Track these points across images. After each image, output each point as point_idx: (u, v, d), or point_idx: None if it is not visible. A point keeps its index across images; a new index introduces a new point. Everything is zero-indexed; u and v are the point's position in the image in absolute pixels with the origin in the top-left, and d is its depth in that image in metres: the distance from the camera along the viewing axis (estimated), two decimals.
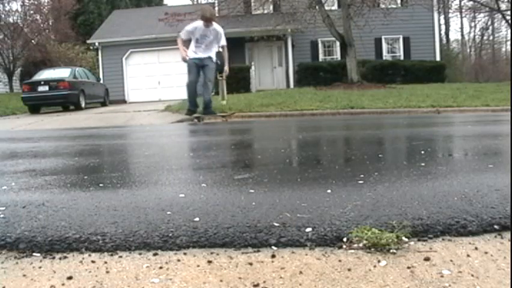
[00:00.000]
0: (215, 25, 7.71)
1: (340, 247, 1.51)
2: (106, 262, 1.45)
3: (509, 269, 1.32)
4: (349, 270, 1.34)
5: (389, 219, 1.67)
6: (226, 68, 8.20)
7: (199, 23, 7.66)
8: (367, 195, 2.00)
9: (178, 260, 1.45)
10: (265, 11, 18.85)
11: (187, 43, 7.94)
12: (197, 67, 7.72)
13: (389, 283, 1.26)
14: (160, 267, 1.40)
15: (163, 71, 20.19)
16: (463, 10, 25.20)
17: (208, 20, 7.55)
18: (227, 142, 4.95)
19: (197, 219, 1.75)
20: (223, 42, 7.90)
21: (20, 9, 25.71)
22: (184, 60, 7.78)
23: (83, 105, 14.42)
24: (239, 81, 16.86)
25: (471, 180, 2.26)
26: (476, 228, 1.61)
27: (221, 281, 1.31)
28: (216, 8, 19.48)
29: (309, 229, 1.62)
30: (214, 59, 7.89)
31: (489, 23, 34.51)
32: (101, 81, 18.06)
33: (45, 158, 3.86)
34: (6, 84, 24.10)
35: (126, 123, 8.88)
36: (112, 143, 5.33)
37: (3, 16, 24.73)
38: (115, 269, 1.40)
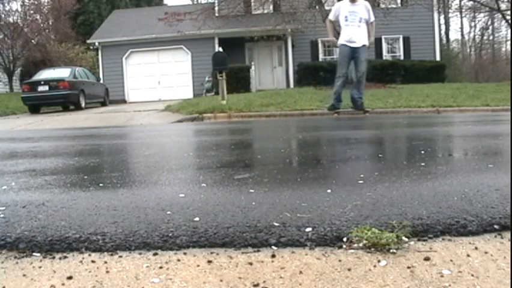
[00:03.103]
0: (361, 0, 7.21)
1: (340, 247, 1.51)
2: (106, 262, 1.45)
3: (509, 269, 1.32)
4: (349, 270, 1.34)
5: (389, 219, 1.67)
6: (371, 40, 7.50)
7: (344, 0, 7.18)
8: (367, 195, 2.00)
9: (178, 260, 1.45)
10: (265, 11, 18.85)
11: (337, 25, 7.43)
12: (349, 58, 7.26)
13: (389, 283, 1.26)
14: (160, 267, 1.40)
15: (163, 70, 20.20)
16: (463, 10, 25.21)
17: None
18: (227, 142, 4.95)
19: (197, 219, 1.75)
20: (372, 17, 7.37)
21: (20, 9, 25.75)
22: (335, 45, 7.28)
23: (83, 105, 14.42)
24: (239, 81, 16.87)
25: (471, 180, 2.26)
26: (476, 228, 1.61)
27: (221, 280, 1.31)
28: (216, 8, 19.50)
29: (309, 229, 1.62)
30: (367, 43, 7.34)
31: (489, 23, 34.53)
32: (101, 81, 18.06)
33: (45, 157, 3.86)
34: (6, 84, 24.10)
35: (126, 123, 8.88)
36: (112, 142, 5.33)
37: (3, 16, 24.73)
38: (115, 269, 1.40)
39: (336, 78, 7.57)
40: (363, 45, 7.32)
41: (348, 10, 7.22)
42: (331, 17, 7.46)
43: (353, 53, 7.28)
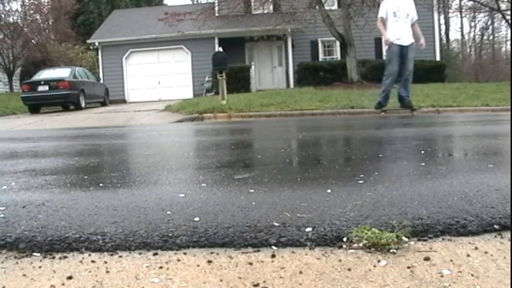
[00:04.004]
0: None
1: (340, 247, 1.51)
2: (106, 262, 1.45)
3: (509, 269, 1.32)
4: (349, 270, 1.34)
5: (389, 219, 1.67)
6: (422, 41, 7.44)
7: None
8: (367, 195, 2.00)
9: (178, 260, 1.45)
10: (265, 11, 18.84)
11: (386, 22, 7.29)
12: (399, 56, 7.16)
13: (389, 283, 1.26)
14: (160, 267, 1.40)
15: (163, 70, 20.20)
16: (463, 10, 25.19)
17: None
18: (227, 142, 4.95)
19: (197, 219, 1.75)
20: (416, 15, 7.27)
21: (20, 9, 25.75)
22: (388, 43, 7.20)
23: (83, 105, 14.42)
24: (239, 81, 16.87)
25: (471, 180, 2.26)
26: (476, 228, 1.61)
27: (221, 280, 1.31)
28: (216, 8, 19.50)
29: (309, 229, 1.62)
30: (415, 43, 7.22)
31: (489, 22, 34.50)
32: (101, 81, 18.06)
33: (45, 157, 3.86)
34: (6, 84, 24.10)
35: (126, 123, 8.88)
36: (112, 142, 5.33)
37: (3, 16, 24.74)
38: (115, 269, 1.40)
39: (385, 76, 7.45)
40: (412, 43, 7.27)
41: (396, 6, 7.16)
42: (382, 14, 7.34)
43: (402, 51, 7.22)
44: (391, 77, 7.31)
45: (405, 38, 7.24)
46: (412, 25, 7.42)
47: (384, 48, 7.45)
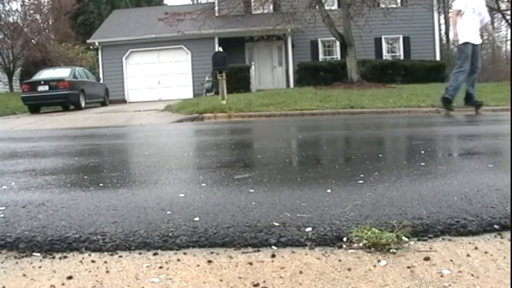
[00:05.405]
0: None
1: (340, 247, 1.51)
2: (106, 262, 1.45)
3: (509, 269, 1.32)
4: (349, 269, 1.34)
5: (389, 219, 1.67)
6: (498, 43, 7.43)
7: None
8: (367, 195, 2.00)
9: (178, 260, 1.45)
10: (265, 11, 18.83)
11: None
12: (472, 55, 7.00)
13: (389, 283, 1.26)
14: (160, 267, 1.40)
15: (162, 70, 20.19)
16: None
17: None
18: (227, 142, 4.95)
19: (197, 218, 1.75)
20: (488, 16, 7.12)
21: (20, 9, 25.76)
22: (458, 42, 7.03)
23: (83, 105, 14.41)
24: (239, 81, 16.87)
25: (471, 180, 2.25)
26: (476, 228, 1.61)
27: (221, 280, 1.31)
28: (216, 8, 19.50)
29: (309, 229, 1.62)
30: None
31: (489, 22, 34.41)
32: (101, 81, 18.06)
33: (45, 157, 3.86)
34: (6, 84, 24.10)
35: (126, 122, 8.88)
36: (112, 142, 5.33)
37: (3, 16, 24.72)
38: (115, 269, 1.40)
39: (456, 73, 7.26)
40: (481, 42, 7.20)
41: (475, 2, 7.06)
42: (461, 7, 7.15)
43: (475, 49, 7.13)
44: (464, 74, 7.15)
45: (478, 36, 7.19)
46: (485, 26, 7.37)
47: (452, 43, 7.20)
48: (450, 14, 7.28)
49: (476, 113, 7.38)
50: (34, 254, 1.52)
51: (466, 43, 7.04)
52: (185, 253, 1.50)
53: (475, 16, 7.10)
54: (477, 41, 7.15)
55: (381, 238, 1.48)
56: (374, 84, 14.39)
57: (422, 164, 2.74)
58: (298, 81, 19.34)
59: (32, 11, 25.80)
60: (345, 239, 1.54)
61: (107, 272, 1.38)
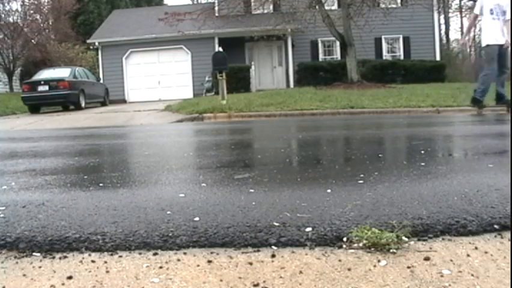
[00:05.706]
0: None
1: (340, 247, 1.51)
2: (106, 262, 1.45)
3: (509, 269, 1.32)
4: (349, 269, 1.34)
5: (389, 219, 1.67)
6: (508, 40, 6.97)
7: None
8: (367, 195, 2.00)
9: (178, 260, 1.45)
10: (265, 11, 18.83)
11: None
12: (497, 55, 6.87)
13: (389, 283, 1.26)
14: (160, 267, 1.40)
15: (162, 70, 20.20)
16: (463, 10, 25.19)
17: None
18: (227, 142, 4.95)
19: (197, 218, 1.75)
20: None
21: (20, 9, 25.76)
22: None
23: (83, 105, 14.41)
24: (239, 81, 16.87)
25: (471, 180, 2.25)
26: (476, 228, 1.61)
27: (221, 280, 1.31)
28: (216, 8, 19.50)
29: (309, 229, 1.62)
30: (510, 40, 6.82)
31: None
32: (101, 81, 18.06)
33: (45, 157, 3.86)
34: (6, 84, 24.10)
35: (126, 122, 8.88)
36: (112, 142, 5.33)
37: (3, 16, 24.72)
38: (115, 269, 1.40)
39: (484, 75, 7.22)
40: (507, 41, 6.99)
41: (493, 2, 6.92)
42: (477, 10, 7.11)
43: (501, 49, 6.99)
44: (491, 75, 7.08)
45: (501, 36, 7.00)
46: (505, 23, 7.06)
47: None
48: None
49: (508, 111, 7.26)
50: (34, 254, 1.52)
51: (489, 45, 6.94)
52: (185, 253, 1.50)
53: (495, 17, 6.94)
54: (501, 41, 6.96)
55: (381, 238, 1.48)
56: (374, 84, 14.39)
57: (422, 164, 2.74)
58: (298, 81, 19.34)
59: (32, 11, 25.80)
60: (345, 239, 1.54)
61: (107, 272, 1.38)
